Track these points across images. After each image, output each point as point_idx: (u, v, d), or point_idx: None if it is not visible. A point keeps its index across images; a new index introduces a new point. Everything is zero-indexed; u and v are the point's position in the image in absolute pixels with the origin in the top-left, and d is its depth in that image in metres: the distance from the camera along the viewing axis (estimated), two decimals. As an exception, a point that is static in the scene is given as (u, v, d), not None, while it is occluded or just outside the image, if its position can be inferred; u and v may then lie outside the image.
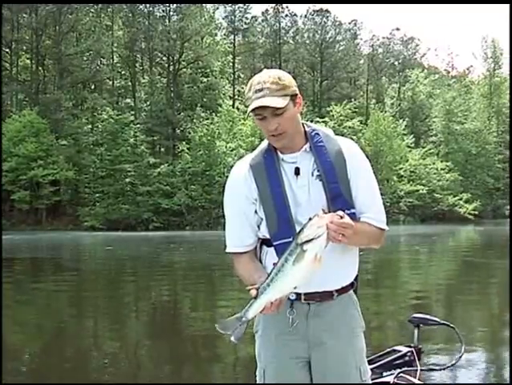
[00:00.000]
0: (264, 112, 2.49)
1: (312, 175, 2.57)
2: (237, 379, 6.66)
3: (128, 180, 49.40)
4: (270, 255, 2.60)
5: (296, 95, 2.55)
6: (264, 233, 2.62)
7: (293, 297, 2.55)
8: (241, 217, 2.65)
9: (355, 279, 2.71)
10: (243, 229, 2.66)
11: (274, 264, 2.37)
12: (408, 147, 61.93)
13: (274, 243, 2.56)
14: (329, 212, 2.44)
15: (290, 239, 2.41)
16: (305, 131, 2.64)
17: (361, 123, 60.71)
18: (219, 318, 10.35)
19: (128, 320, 10.85)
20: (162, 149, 59.96)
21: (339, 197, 2.54)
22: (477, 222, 54.23)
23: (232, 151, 51.27)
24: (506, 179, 65.92)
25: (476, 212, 58.45)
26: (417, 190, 57.10)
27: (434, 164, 60.75)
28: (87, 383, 6.38)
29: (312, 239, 2.28)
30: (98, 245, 32.37)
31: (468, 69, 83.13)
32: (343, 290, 2.63)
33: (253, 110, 2.49)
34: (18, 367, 7.10)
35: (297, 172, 2.58)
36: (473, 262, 20.26)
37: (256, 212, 2.64)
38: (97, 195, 49.24)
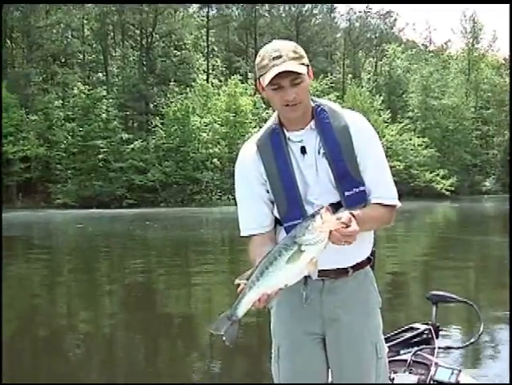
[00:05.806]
0: (282, 81, 2.41)
1: (319, 153, 2.52)
2: (212, 358, 6.64)
3: (100, 156, 49.21)
4: (282, 234, 2.56)
5: (308, 66, 2.49)
6: (276, 213, 2.60)
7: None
8: (255, 198, 2.61)
9: (372, 254, 2.68)
10: (260, 209, 2.61)
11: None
12: (385, 122, 61.46)
13: (285, 225, 2.54)
14: (337, 191, 2.48)
15: (300, 220, 2.34)
16: (312, 107, 2.57)
17: (337, 98, 60.18)
18: (195, 296, 10.81)
19: (101, 298, 10.89)
20: (135, 124, 59.27)
21: (346, 176, 2.50)
22: (453, 198, 54.56)
23: (206, 126, 51.04)
24: (483, 155, 66.53)
25: (452, 189, 58.67)
26: (394, 166, 56.81)
27: (411, 139, 60.68)
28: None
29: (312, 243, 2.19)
30: (70, 223, 32.12)
31: (446, 43, 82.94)
32: (358, 266, 2.61)
33: (271, 78, 2.40)
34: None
35: (303, 150, 2.54)
36: (448, 238, 20.28)
37: (268, 191, 2.60)
38: (69, 172, 48.94)
